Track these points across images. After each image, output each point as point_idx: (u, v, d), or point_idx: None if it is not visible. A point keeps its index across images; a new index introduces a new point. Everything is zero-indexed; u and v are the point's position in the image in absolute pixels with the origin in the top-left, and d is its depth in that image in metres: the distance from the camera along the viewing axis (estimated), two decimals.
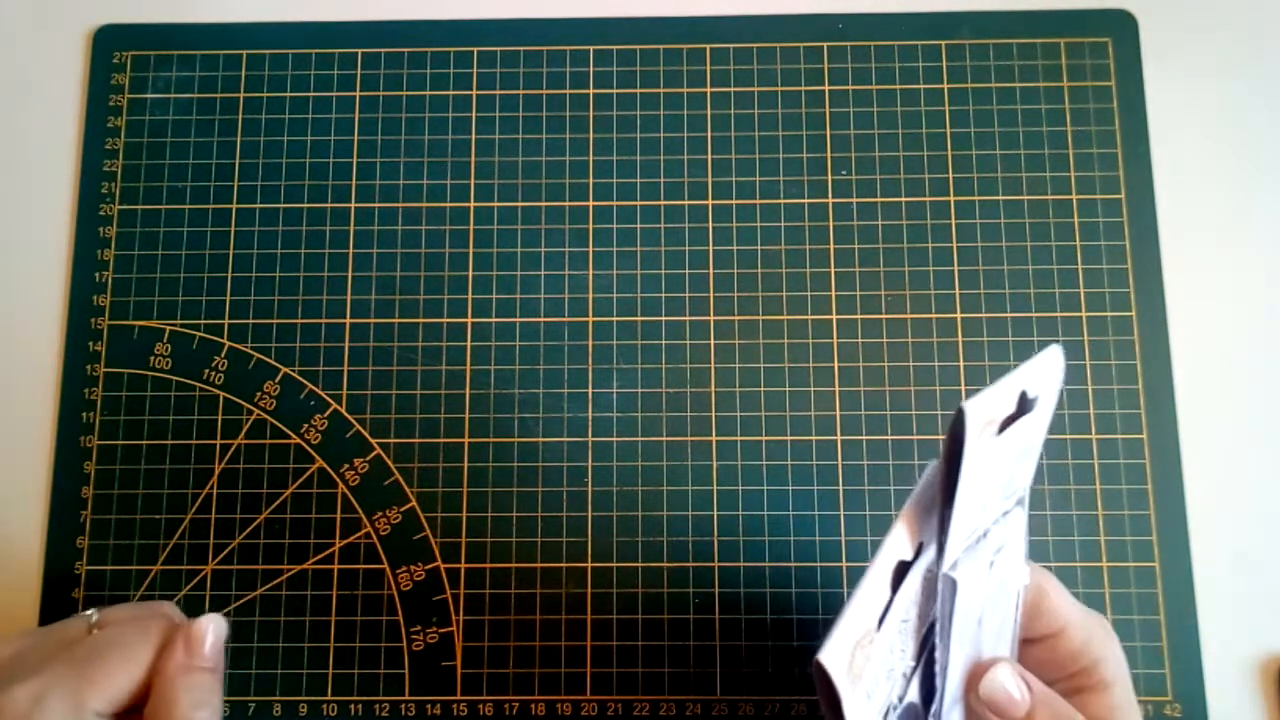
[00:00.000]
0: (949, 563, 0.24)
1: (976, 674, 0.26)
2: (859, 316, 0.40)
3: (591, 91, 0.42)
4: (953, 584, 0.24)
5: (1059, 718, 0.25)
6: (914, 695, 0.25)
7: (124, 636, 0.30)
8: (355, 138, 0.42)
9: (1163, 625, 0.37)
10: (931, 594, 0.25)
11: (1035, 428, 0.25)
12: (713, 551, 0.38)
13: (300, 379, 0.40)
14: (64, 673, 0.29)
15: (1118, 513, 0.38)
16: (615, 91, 0.42)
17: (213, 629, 0.30)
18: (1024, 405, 0.24)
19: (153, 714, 0.29)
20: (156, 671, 0.29)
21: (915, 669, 0.25)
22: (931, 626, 0.25)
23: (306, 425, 0.39)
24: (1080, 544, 0.38)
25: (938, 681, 0.25)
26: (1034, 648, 0.28)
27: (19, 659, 0.30)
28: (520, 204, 0.41)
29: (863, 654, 0.23)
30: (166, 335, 0.40)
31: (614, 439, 0.39)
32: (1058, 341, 0.39)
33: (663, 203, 0.41)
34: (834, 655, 0.22)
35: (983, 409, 0.22)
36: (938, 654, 0.25)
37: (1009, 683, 0.25)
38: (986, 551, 0.25)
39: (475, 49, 0.42)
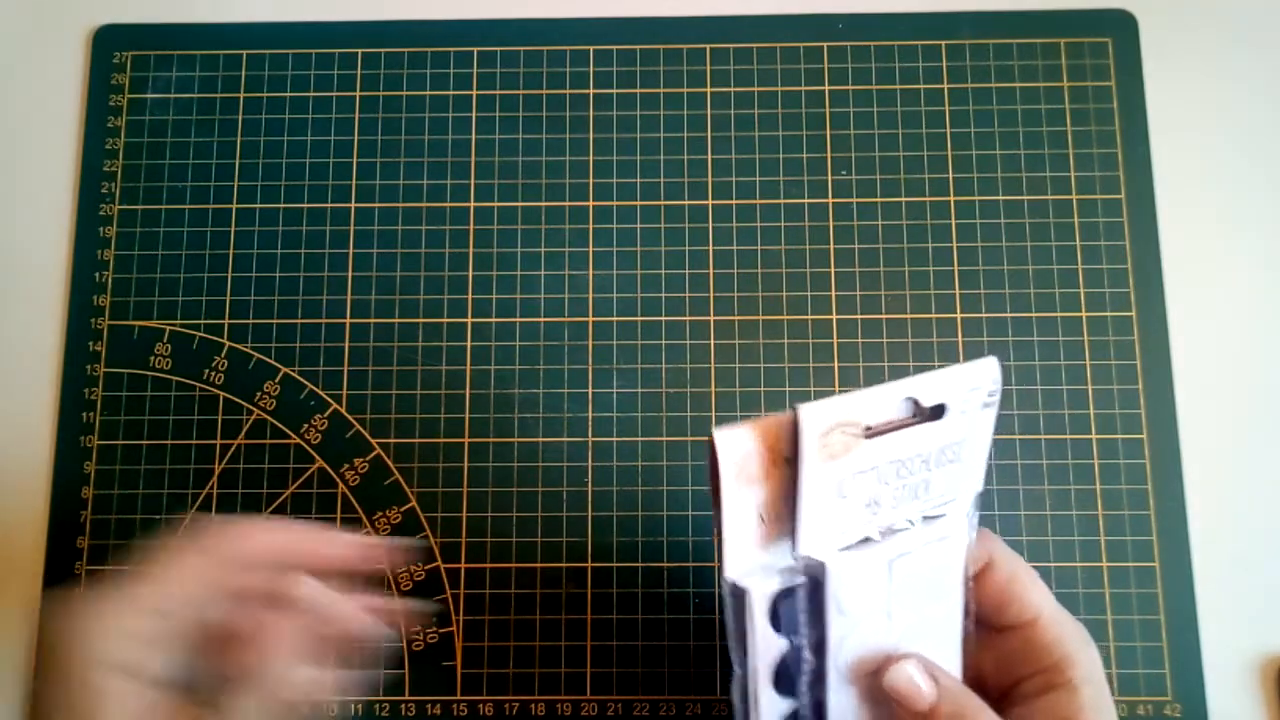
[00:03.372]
0: (809, 548, 0.25)
1: (885, 666, 0.27)
2: (859, 316, 0.40)
3: (591, 91, 0.42)
4: (820, 568, 0.25)
5: (964, 712, 0.26)
6: (799, 572, 0.26)
7: (166, 547, 0.29)
8: (355, 138, 0.42)
9: (1163, 625, 0.37)
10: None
11: (950, 437, 0.26)
12: (713, 551, 0.38)
13: (300, 379, 0.40)
14: (113, 595, 0.27)
15: (1118, 513, 0.38)
16: (615, 91, 0.42)
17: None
18: (924, 412, 0.25)
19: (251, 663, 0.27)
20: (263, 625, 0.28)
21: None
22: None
23: (306, 425, 0.39)
24: (1080, 544, 0.38)
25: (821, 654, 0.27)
26: (1005, 638, 0.28)
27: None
28: (520, 204, 0.41)
29: (756, 466, 0.24)
30: (166, 335, 0.40)
31: (614, 439, 0.39)
32: (1057, 341, 0.39)
33: (663, 203, 0.41)
34: (727, 435, 0.24)
35: (825, 414, 0.24)
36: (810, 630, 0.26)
37: (915, 675, 0.26)
38: (884, 552, 0.26)
39: (475, 49, 0.42)
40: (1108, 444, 0.38)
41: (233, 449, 0.39)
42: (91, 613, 0.27)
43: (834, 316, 0.40)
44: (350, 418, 0.39)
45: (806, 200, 0.41)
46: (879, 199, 0.41)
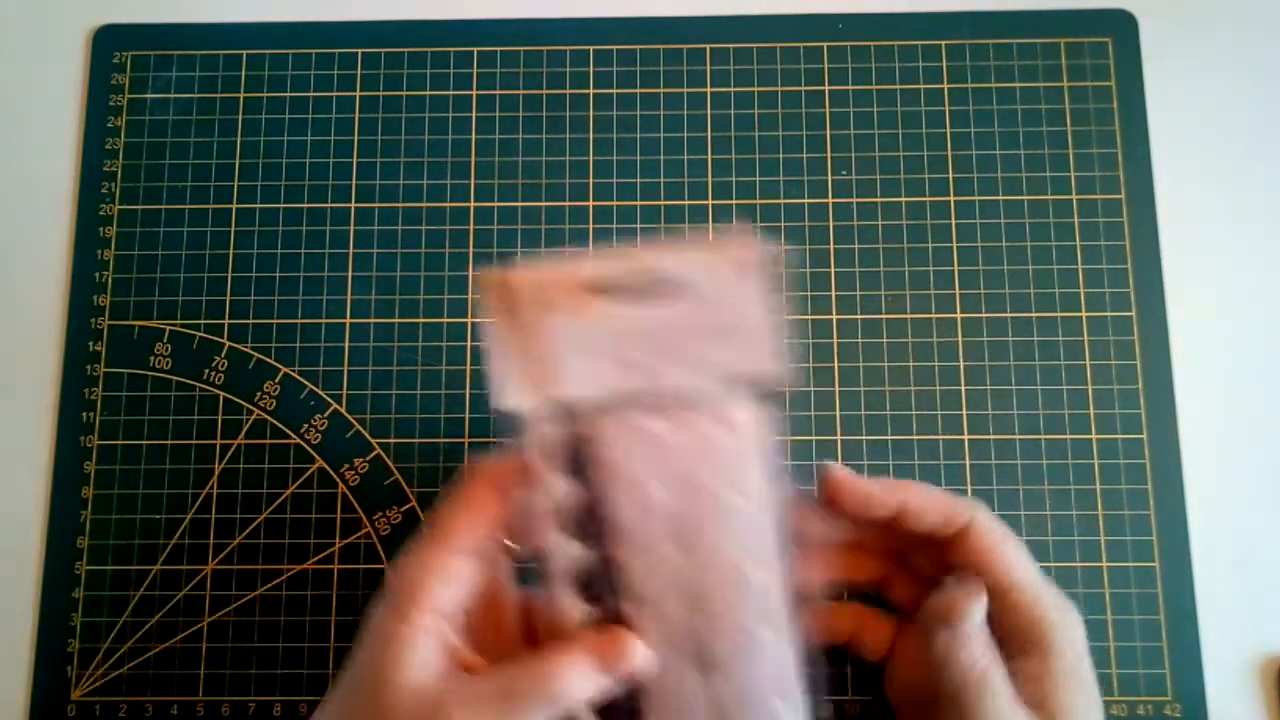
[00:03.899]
0: (548, 392, 0.27)
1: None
2: (859, 316, 0.40)
3: (591, 91, 0.42)
4: (568, 415, 0.27)
5: None
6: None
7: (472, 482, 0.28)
8: (355, 138, 0.42)
9: (1163, 625, 0.37)
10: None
11: (708, 314, 0.26)
12: None
13: (300, 379, 0.40)
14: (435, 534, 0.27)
15: (1118, 513, 0.38)
16: (615, 91, 0.42)
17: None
18: (666, 284, 0.26)
19: None
20: None
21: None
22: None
23: (306, 425, 0.39)
24: (1080, 544, 0.38)
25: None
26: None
27: None
28: (520, 204, 0.41)
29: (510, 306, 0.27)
30: (166, 335, 0.40)
31: None
32: (1057, 341, 0.39)
33: (663, 203, 0.41)
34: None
35: (533, 270, 0.27)
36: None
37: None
38: (645, 419, 0.27)
39: (475, 49, 0.42)
40: (1108, 444, 0.38)
41: (233, 449, 0.39)
42: (419, 552, 0.27)
43: (834, 316, 0.40)
44: (350, 418, 0.39)
45: (806, 200, 0.41)
46: (879, 199, 0.41)
